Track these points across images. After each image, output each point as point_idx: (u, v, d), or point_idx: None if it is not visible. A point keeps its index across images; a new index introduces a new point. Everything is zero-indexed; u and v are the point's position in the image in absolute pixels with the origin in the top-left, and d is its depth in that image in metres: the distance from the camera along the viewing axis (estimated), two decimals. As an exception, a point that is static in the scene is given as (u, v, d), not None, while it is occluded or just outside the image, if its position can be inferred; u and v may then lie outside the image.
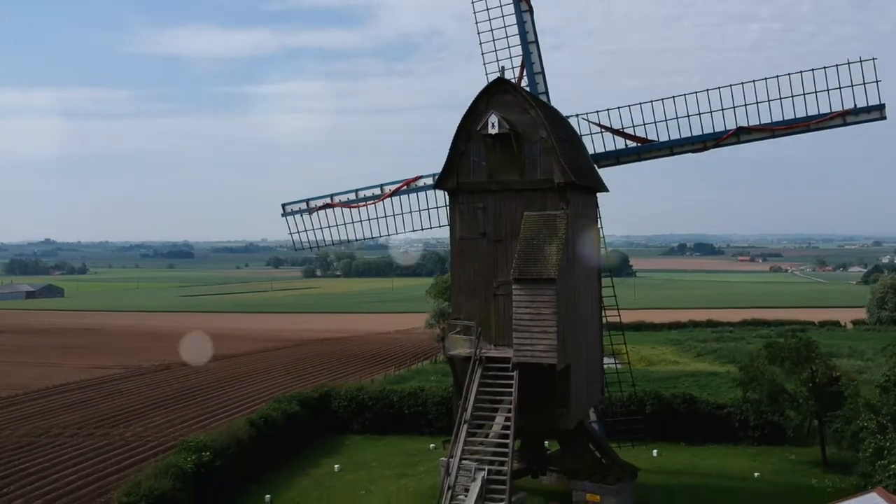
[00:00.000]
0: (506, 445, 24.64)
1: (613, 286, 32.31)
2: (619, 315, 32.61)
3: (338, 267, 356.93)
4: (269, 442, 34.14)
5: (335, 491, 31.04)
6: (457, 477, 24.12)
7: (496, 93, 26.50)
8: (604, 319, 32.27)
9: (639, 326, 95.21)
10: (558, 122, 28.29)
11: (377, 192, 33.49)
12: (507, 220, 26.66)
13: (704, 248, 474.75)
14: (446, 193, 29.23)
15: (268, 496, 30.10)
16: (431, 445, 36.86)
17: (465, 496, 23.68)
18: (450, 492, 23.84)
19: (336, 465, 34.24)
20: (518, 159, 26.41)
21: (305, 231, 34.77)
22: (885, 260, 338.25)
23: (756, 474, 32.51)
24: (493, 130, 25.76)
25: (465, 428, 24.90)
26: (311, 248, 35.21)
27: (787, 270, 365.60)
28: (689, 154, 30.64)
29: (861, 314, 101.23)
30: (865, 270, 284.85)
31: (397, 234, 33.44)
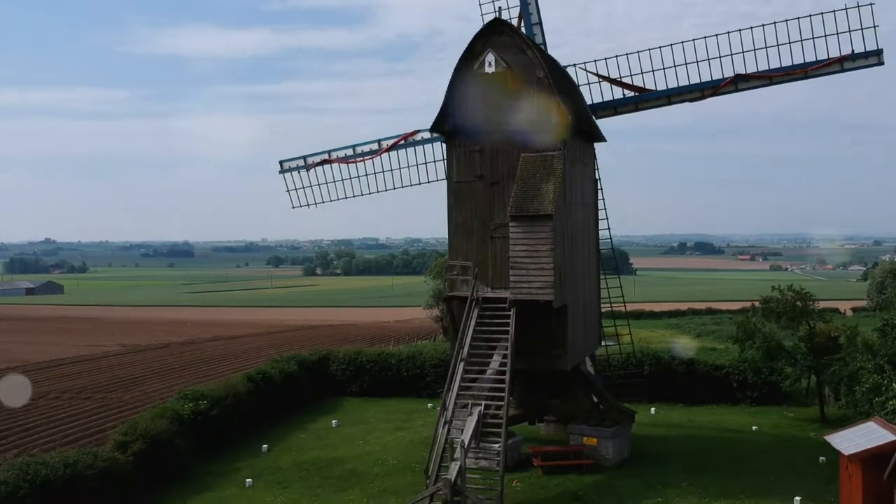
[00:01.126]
0: (502, 383, 24.58)
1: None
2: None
3: (338, 265, 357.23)
4: (267, 398, 34.06)
5: (332, 441, 31.05)
6: (453, 412, 24.06)
7: (493, 34, 26.46)
8: (602, 278, 32.39)
9: (638, 315, 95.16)
10: (556, 66, 28.28)
11: (374, 147, 33.49)
12: (504, 163, 26.64)
13: (704, 248, 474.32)
14: (444, 144, 29.36)
15: (265, 446, 30.10)
16: (429, 405, 36.84)
17: (462, 430, 23.61)
18: (446, 426, 23.78)
19: (334, 421, 34.24)
20: (515, 100, 26.35)
21: (303, 188, 34.71)
22: (885, 258, 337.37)
23: (754, 427, 32.49)
24: (489, 69, 25.78)
25: (461, 365, 24.86)
26: (308, 205, 35.10)
27: (787, 269, 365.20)
28: (687, 103, 30.58)
29: (861, 306, 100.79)
30: (865, 269, 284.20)
31: (395, 188, 33.44)
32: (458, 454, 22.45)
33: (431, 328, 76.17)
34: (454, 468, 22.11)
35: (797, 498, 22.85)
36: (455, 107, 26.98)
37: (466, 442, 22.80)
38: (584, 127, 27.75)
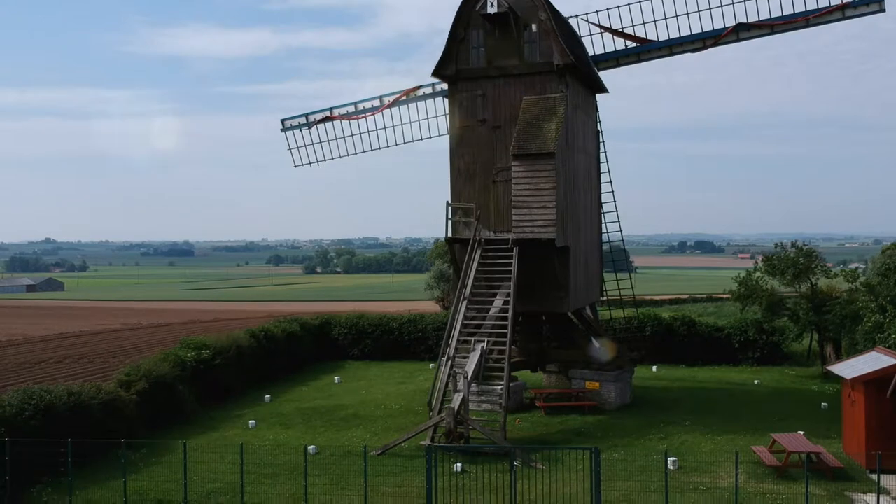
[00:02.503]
0: (505, 321, 24.60)
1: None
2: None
3: (338, 263, 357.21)
4: (269, 353, 34.15)
5: (334, 393, 31.16)
6: (456, 349, 24.09)
7: (495, -24, 26.52)
8: (603, 226, 32.45)
9: (639, 304, 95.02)
10: (557, 13, 28.30)
11: (376, 103, 33.50)
12: (507, 106, 26.72)
13: (705, 247, 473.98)
14: (445, 100, 29.45)
15: (267, 396, 30.16)
16: (431, 365, 36.87)
17: (464, 365, 23.64)
18: (449, 362, 23.82)
19: (336, 377, 34.31)
20: (517, 43, 26.47)
21: (305, 146, 34.64)
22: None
23: (756, 381, 32.56)
24: (492, 10, 25.81)
25: (464, 304, 24.90)
26: (310, 163, 35.08)
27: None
28: (689, 54, 30.57)
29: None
30: (865, 266, 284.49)
31: (396, 144, 33.44)
32: (460, 386, 22.51)
33: (433, 311, 76.05)
34: (457, 398, 22.18)
35: (800, 431, 22.88)
36: (457, 50, 27.03)
37: (469, 374, 22.84)
38: (585, 72, 27.79)
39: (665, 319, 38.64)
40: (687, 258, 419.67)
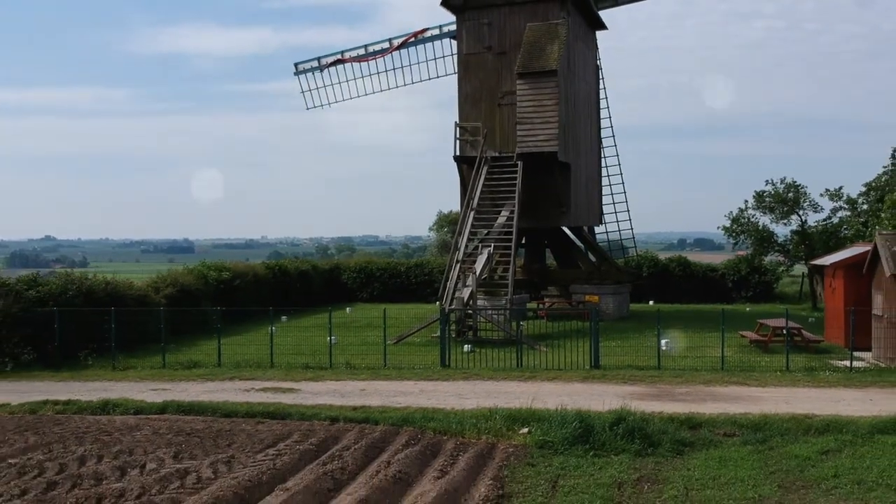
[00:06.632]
0: (509, 240, 26.13)
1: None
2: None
3: (338, 259, 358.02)
4: (284, 286, 35.66)
5: (348, 315, 32.74)
6: (464, 253, 25.71)
7: None
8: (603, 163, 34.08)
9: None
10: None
11: (386, 46, 35.15)
12: (511, 33, 28.40)
13: (704, 244, 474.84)
14: (452, 40, 31.07)
15: (284, 317, 31.75)
16: (438, 303, 38.42)
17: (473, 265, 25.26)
18: (458, 265, 25.43)
19: (348, 308, 35.93)
20: (521, -27, 28.12)
21: (317, 88, 36.25)
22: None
23: (748, 308, 34.16)
24: (497, -60, 27.47)
25: (471, 214, 26.53)
26: (321, 105, 36.66)
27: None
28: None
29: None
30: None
31: (405, 85, 35.04)
32: (469, 281, 24.13)
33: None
34: (466, 292, 23.82)
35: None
36: (465, -18, 28.67)
37: (478, 272, 24.47)
38: (585, 4, 29.42)
39: (661, 261, 40.22)
40: (687, 255, 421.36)
